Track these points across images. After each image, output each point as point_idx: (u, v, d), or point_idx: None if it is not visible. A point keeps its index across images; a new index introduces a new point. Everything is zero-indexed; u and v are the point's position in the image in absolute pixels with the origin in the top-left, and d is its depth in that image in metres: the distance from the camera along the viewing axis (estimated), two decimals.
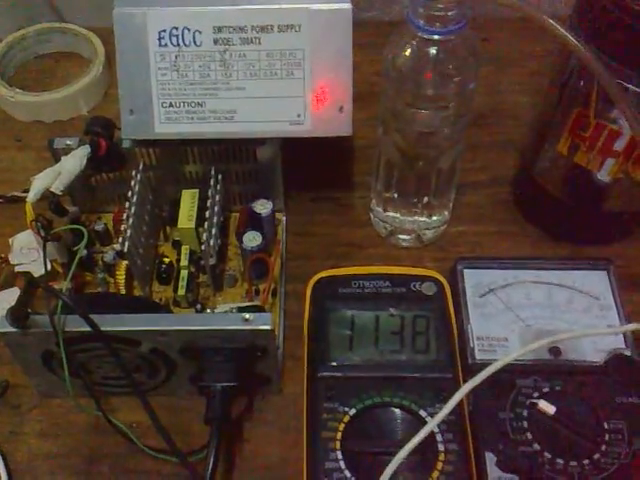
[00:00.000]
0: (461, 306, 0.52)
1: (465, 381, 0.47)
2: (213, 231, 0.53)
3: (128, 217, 0.52)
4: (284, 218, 0.61)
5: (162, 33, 0.51)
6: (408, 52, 0.47)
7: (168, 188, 0.59)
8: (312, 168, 0.63)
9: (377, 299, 0.52)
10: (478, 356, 0.50)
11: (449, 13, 0.43)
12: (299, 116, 0.52)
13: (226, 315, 0.49)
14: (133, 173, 0.55)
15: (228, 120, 0.52)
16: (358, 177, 0.64)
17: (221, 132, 0.53)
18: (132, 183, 0.54)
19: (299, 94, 0.51)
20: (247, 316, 0.45)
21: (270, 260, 0.55)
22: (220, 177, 0.56)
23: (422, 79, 0.47)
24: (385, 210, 0.58)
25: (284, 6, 0.50)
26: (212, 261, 0.54)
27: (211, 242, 0.53)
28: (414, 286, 0.52)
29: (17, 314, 0.43)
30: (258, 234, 0.55)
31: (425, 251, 0.59)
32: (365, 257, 0.59)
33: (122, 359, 0.45)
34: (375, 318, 0.51)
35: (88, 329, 0.44)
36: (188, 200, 0.57)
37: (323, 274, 0.54)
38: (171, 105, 0.52)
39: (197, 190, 0.57)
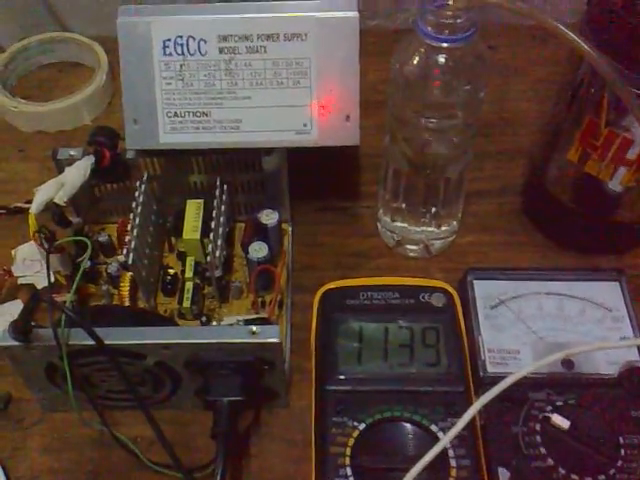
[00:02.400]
0: (471, 318, 0.51)
1: (477, 394, 0.46)
2: (219, 242, 0.53)
3: (132, 228, 0.52)
4: (290, 228, 0.60)
5: (167, 42, 0.50)
6: (416, 60, 0.46)
7: (173, 199, 0.58)
8: (318, 178, 0.63)
9: (386, 311, 0.51)
10: (490, 369, 0.49)
11: (458, 21, 0.43)
12: (305, 125, 0.51)
13: (232, 328, 0.48)
14: (137, 184, 0.54)
15: (234, 130, 0.52)
16: (365, 187, 0.64)
17: (226, 142, 0.52)
18: (136, 194, 0.53)
19: (305, 103, 0.51)
20: (254, 329, 0.44)
21: (276, 271, 0.54)
22: (225, 187, 0.55)
23: (430, 87, 0.47)
24: (393, 220, 0.58)
25: (290, 14, 0.49)
26: (218, 273, 0.53)
27: (217, 253, 0.52)
28: (423, 297, 0.51)
29: (20, 328, 0.43)
30: (264, 245, 0.54)
31: (433, 262, 0.59)
32: (373, 268, 0.59)
33: (126, 373, 0.44)
34: (384, 330, 0.50)
35: (92, 342, 0.43)
36: (193, 211, 0.56)
37: (330, 285, 0.53)
38: (176, 115, 0.51)
39: (202, 200, 0.56)
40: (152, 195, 0.56)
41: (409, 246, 0.58)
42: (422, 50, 0.45)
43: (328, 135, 0.51)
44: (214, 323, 0.52)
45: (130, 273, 0.54)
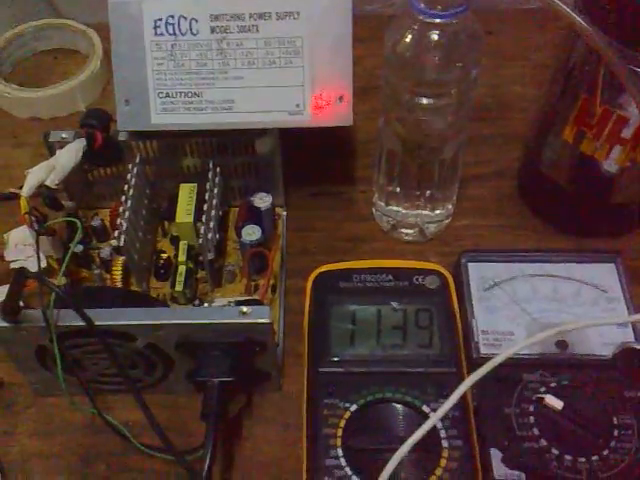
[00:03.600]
0: (465, 300, 0.51)
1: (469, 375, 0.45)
2: (211, 225, 0.52)
3: (125, 211, 0.51)
4: (284, 213, 0.60)
5: (158, 22, 0.50)
6: (409, 38, 0.46)
7: (166, 182, 0.57)
8: (312, 162, 0.62)
9: (379, 293, 0.50)
10: (483, 350, 0.48)
11: None
12: (298, 106, 0.51)
13: (223, 309, 0.48)
14: (130, 166, 0.54)
15: (226, 110, 0.51)
16: (360, 171, 0.63)
17: (219, 122, 0.52)
18: (129, 176, 0.53)
19: (298, 83, 0.50)
20: (244, 309, 0.44)
21: (269, 254, 0.54)
22: (218, 170, 0.55)
23: (424, 65, 0.46)
24: (387, 204, 0.57)
25: None
26: (210, 256, 0.52)
27: (209, 236, 0.52)
28: (417, 280, 0.51)
29: (8, 307, 0.42)
30: (257, 228, 0.54)
31: (428, 245, 0.58)
32: (368, 252, 0.58)
33: (117, 355, 0.44)
34: (377, 312, 0.50)
35: (82, 324, 0.43)
36: (186, 194, 0.56)
37: (324, 268, 0.53)
38: (167, 95, 0.51)
39: (195, 184, 0.56)
40: (145, 179, 0.56)
41: (404, 230, 0.58)
42: (415, 27, 0.45)
43: (321, 116, 0.51)
44: (206, 305, 0.52)
45: (122, 257, 0.54)
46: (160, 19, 0.49)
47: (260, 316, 0.44)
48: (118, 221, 0.51)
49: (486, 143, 0.64)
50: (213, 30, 0.49)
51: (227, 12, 0.49)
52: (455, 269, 0.53)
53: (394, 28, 0.46)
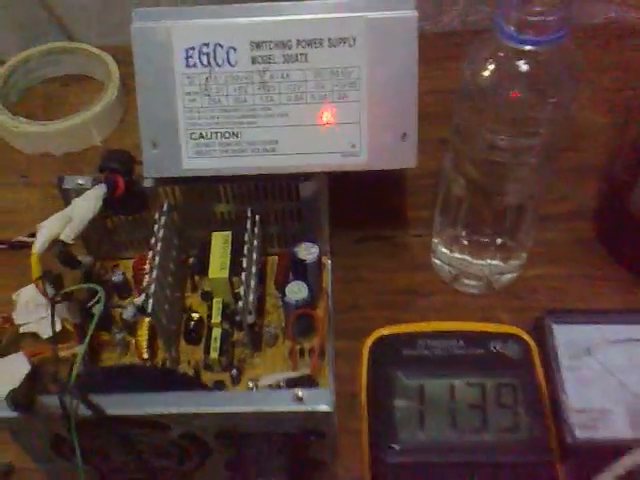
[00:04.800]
0: (553, 371, 0.43)
1: (563, 464, 0.38)
2: (252, 284, 0.45)
3: (152, 269, 0.44)
4: (329, 262, 0.53)
5: (190, 51, 0.43)
6: (493, 66, 0.38)
7: (196, 231, 0.51)
8: (357, 201, 0.55)
9: (450, 363, 0.44)
10: (579, 434, 0.41)
11: (548, 18, 0.35)
12: (354, 146, 0.44)
13: (273, 393, 0.40)
14: (156, 216, 0.47)
15: (268, 152, 0.44)
16: (412, 212, 0.56)
17: (261, 167, 0.45)
18: (155, 228, 0.46)
19: (354, 120, 0.43)
20: (299, 393, 0.37)
21: (318, 315, 0.47)
22: (258, 219, 0.48)
23: (510, 100, 0.39)
24: (450, 251, 0.50)
25: (336, 15, 0.42)
26: (251, 319, 0.45)
27: (250, 297, 0.44)
28: (494, 347, 0.44)
29: (20, 397, 0.36)
30: (303, 285, 0.47)
31: (497, 299, 0.51)
32: (426, 307, 0.51)
33: (147, 446, 0.37)
34: (449, 387, 0.43)
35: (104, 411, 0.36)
36: (219, 244, 0.49)
37: (382, 331, 0.46)
38: (201, 136, 0.44)
39: (229, 233, 0.49)
40: (173, 228, 0.49)
41: (468, 281, 0.51)
42: (501, 54, 0.38)
43: (381, 157, 0.44)
44: (250, 384, 0.44)
45: (148, 319, 0.47)
46: (192, 48, 0.43)
47: (320, 401, 0.37)
48: (144, 280, 0.44)
49: (558, 177, 0.56)
50: (254, 60, 0.43)
51: (271, 39, 0.42)
52: (537, 332, 0.46)
53: (475, 54, 0.39)
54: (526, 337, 0.44)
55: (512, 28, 0.36)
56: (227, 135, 0.44)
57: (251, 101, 0.43)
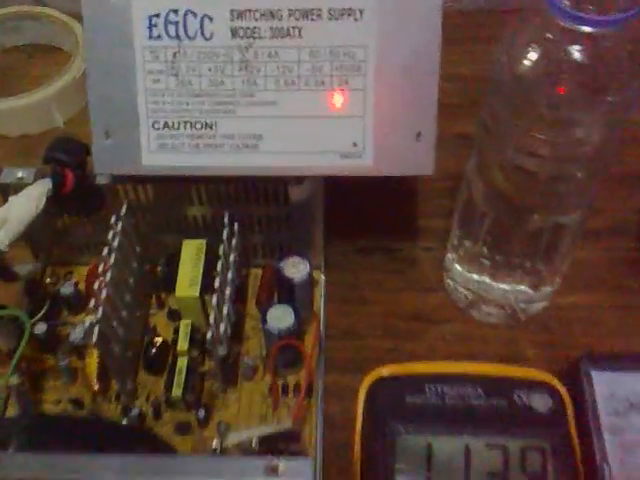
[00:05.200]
0: (592, 431, 0.35)
1: None
2: (225, 310, 0.37)
3: (100, 288, 0.36)
4: (322, 277, 0.45)
5: (154, 19, 0.35)
6: (536, 53, 0.30)
7: (164, 237, 0.43)
8: (357, 206, 0.48)
9: (465, 417, 0.35)
10: None
11: None
12: (356, 145, 0.35)
13: (241, 460, 0.32)
14: (112, 220, 0.38)
15: (250, 149, 0.36)
16: (424, 220, 0.48)
17: (240, 167, 0.36)
18: (110, 235, 0.38)
19: (357, 113, 0.35)
20: (275, 464, 0.29)
21: (305, 349, 0.39)
22: (236, 226, 0.40)
23: (555, 95, 0.30)
24: (468, 271, 0.42)
25: None
26: (222, 351, 0.37)
27: (222, 326, 0.36)
28: (519, 397, 0.36)
29: None
30: (289, 310, 0.39)
31: (522, 332, 0.43)
32: (436, 337, 0.43)
33: None
34: (464, 449, 0.34)
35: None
36: (191, 254, 0.41)
37: (382, 371, 0.38)
38: (166, 126, 0.36)
39: (204, 241, 0.42)
40: (134, 233, 0.41)
41: (488, 309, 0.43)
42: (549, 36, 0.29)
43: (389, 160, 0.36)
44: (214, 443, 0.35)
45: None
46: (157, 15, 0.34)
47: (298, 474, 0.29)
48: (91, 303, 0.36)
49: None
50: (235, 33, 0.34)
51: (256, 7, 0.34)
52: (570, 378, 0.37)
53: (513, 37, 0.31)
54: (558, 385, 0.36)
55: (567, 2, 0.27)
56: (199, 126, 0.36)
57: (230, 85, 0.35)
